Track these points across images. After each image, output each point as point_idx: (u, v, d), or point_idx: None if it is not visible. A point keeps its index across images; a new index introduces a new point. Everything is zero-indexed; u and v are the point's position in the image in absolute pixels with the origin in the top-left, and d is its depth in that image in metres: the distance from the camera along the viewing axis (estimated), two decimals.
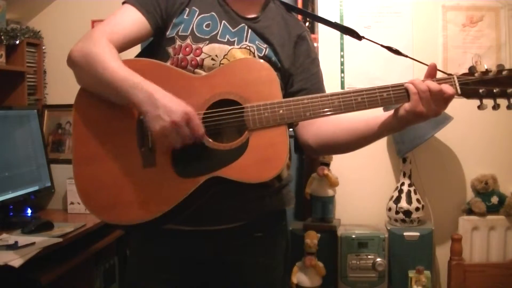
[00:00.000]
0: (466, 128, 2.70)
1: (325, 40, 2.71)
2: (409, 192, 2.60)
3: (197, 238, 1.33)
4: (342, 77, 2.75)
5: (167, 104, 1.14)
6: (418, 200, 2.59)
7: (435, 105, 1.18)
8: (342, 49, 2.74)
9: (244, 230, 1.35)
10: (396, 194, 2.63)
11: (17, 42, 2.55)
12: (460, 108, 2.65)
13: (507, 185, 2.70)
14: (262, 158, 1.19)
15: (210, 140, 1.22)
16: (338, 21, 2.71)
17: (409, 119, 1.20)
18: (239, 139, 1.21)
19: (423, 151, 2.68)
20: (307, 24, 2.78)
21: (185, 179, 1.21)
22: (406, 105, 1.19)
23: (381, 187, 2.74)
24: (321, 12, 2.74)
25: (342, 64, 2.75)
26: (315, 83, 1.42)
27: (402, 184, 2.64)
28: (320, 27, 2.74)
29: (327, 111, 1.22)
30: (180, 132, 1.15)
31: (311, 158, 2.66)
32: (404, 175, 2.65)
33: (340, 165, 2.68)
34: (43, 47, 2.76)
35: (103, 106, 1.25)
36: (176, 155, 1.21)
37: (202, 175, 1.20)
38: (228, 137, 1.23)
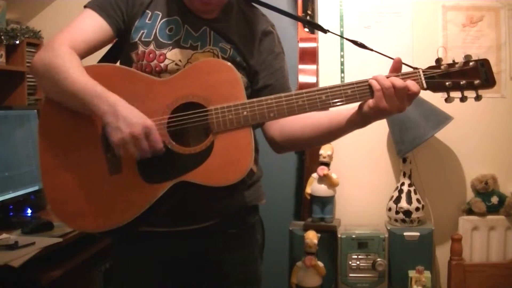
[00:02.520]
0: (466, 128, 2.70)
1: (325, 40, 2.70)
2: (409, 192, 2.60)
3: (172, 238, 1.33)
4: (342, 77, 2.75)
5: (128, 116, 1.14)
6: (418, 200, 2.59)
7: (399, 101, 1.16)
8: (342, 49, 2.74)
9: (218, 228, 1.35)
10: (396, 194, 2.63)
11: (17, 42, 2.55)
12: (460, 108, 2.65)
13: (507, 185, 2.70)
14: (227, 161, 1.19)
15: (175, 144, 1.21)
16: (338, 21, 2.72)
17: (373, 115, 1.19)
18: (204, 142, 1.20)
19: (423, 151, 2.68)
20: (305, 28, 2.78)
21: (152, 184, 1.21)
22: (370, 102, 1.17)
23: (381, 187, 2.74)
24: (321, 12, 2.74)
25: (342, 64, 2.75)
26: (279, 79, 1.40)
27: (402, 184, 2.64)
28: None
29: (291, 111, 1.21)
30: (138, 145, 1.14)
31: (311, 158, 2.65)
32: (404, 175, 2.65)
33: (340, 165, 2.68)
34: None
35: (68, 114, 1.24)
36: (142, 160, 1.21)
37: (169, 180, 1.20)
38: (194, 140, 1.23)
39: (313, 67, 2.65)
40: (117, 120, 1.14)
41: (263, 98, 1.22)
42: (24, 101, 2.59)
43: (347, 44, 2.71)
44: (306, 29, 2.77)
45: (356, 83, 1.19)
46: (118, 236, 1.37)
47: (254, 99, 1.22)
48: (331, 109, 1.24)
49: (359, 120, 1.22)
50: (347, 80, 2.72)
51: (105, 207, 1.22)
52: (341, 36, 1.42)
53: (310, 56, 2.64)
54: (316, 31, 2.76)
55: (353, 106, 1.24)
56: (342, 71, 2.74)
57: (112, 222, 1.22)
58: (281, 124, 1.34)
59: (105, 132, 1.21)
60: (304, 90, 1.21)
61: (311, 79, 2.61)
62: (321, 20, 2.68)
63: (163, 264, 1.35)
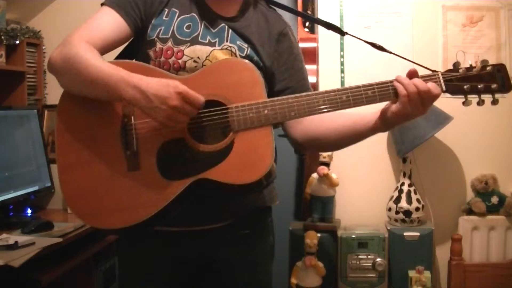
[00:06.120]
0: (466, 128, 2.69)
1: (325, 40, 2.71)
2: (409, 192, 2.60)
3: (185, 238, 1.33)
4: (342, 77, 2.75)
5: (157, 93, 1.12)
6: (418, 200, 2.59)
7: (422, 106, 1.19)
8: (342, 49, 2.74)
9: (231, 228, 1.35)
10: (396, 194, 2.62)
11: (17, 42, 2.55)
12: (460, 108, 2.64)
13: (507, 185, 2.70)
14: (247, 160, 1.20)
15: (195, 141, 1.21)
16: (338, 21, 2.72)
17: (396, 120, 1.21)
18: (224, 140, 1.21)
19: (423, 151, 2.68)
20: (307, 24, 2.78)
21: (171, 181, 1.21)
22: (393, 107, 1.20)
23: (381, 187, 2.74)
24: (321, 12, 2.74)
25: (342, 64, 2.75)
26: (300, 80, 1.41)
27: (402, 184, 2.63)
28: (321, 27, 2.73)
29: (312, 111, 1.22)
30: (183, 112, 1.14)
31: (311, 158, 2.65)
32: (404, 175, 2.65)
33: (340, 165, 2.68)
34: (43, 47, 2.76)
35: (86, 111, 1.24)
36: (161, 157, 1.21)
37: (188, 177, 1.20)
38: (213, 138, 1.23)
39: (313, 67, 2.65)
40: (151, 101, 1.13)
41: (283, 97, 1.23)
42: (24, 101, 2.59)
43: (347, 44, 2.71)
44: (306, 29, 2.77)
45: (377, 84, 1.21)
46: (130, 234, 1.36)
47: (275, 98, 1.23)
48: (354, 112, 1.26)
49: (382, 125, 1.24)
50: (347, 80, 2.73)
51: (123, 205, 1.22)
52: (361, 39, 1.41)
53: (310, 56, 2.64)
54: (316, 31, 2.76)
55: (376, 111, 1.25)
56: (342, 71, 2.74)
57: (130, 219, 1.22)
58: (305, 126, 1.35)
59: (124, 129, 1.22)
60: (324, 90, 1.22)
61: (311, 79, 2.58)
62: None
63: (175, 263, 1.35)
